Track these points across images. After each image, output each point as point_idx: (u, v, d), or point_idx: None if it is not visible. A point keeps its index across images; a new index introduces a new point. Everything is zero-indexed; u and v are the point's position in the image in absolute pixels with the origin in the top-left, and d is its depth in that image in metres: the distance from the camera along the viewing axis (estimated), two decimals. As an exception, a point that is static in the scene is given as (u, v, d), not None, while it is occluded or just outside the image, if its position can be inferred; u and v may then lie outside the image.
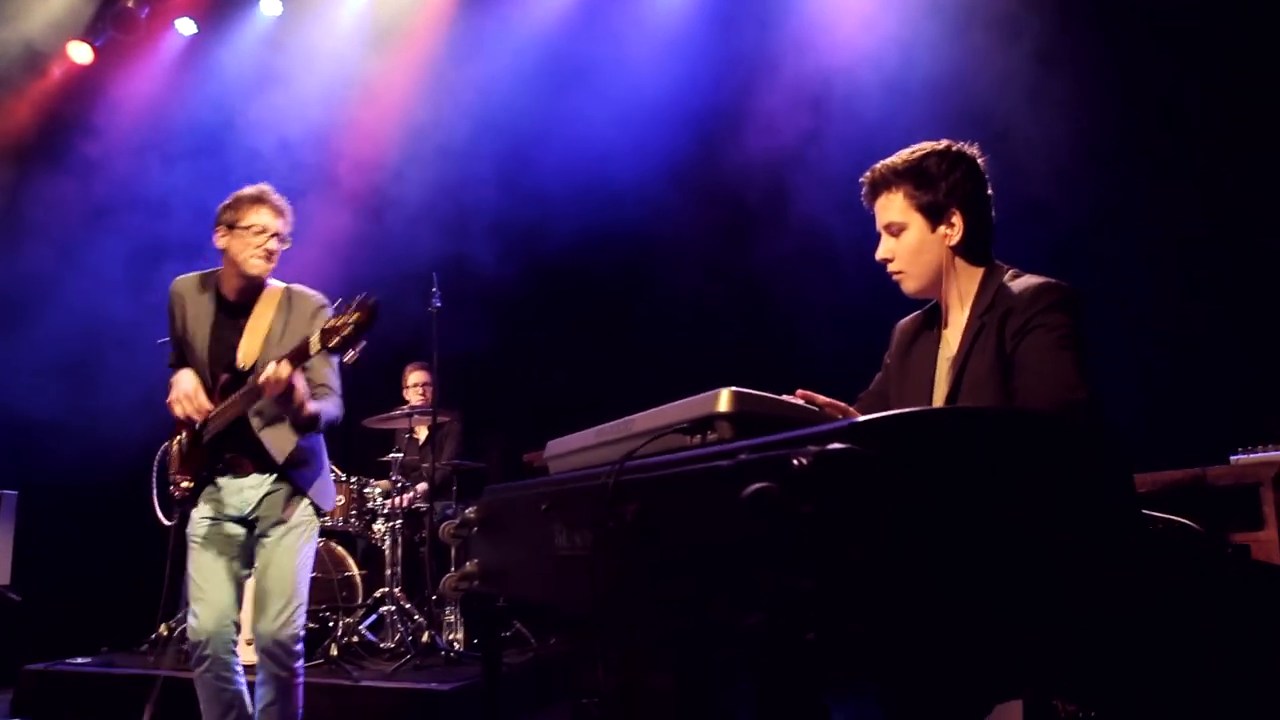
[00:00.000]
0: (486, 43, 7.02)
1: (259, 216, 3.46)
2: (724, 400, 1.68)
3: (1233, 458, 3.42)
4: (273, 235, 3.48)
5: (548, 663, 5.66)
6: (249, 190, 3.51)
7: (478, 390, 7.15)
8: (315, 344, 3.18)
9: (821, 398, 2.03)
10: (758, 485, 1.13)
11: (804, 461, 1.12)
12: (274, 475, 3.52)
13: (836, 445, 1.12)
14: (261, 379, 3.20)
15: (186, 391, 3.46)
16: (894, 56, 5.79)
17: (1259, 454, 3.34)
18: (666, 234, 6.53)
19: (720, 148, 6.35)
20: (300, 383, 3.27)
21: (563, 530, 1.86)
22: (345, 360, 3.20)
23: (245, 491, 3.52)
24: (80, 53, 7.37)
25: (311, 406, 3.36)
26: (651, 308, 6.73)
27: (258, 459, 3.51)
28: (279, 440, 3.48)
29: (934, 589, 1.13)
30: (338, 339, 3.13)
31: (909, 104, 5.57)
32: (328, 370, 3.54)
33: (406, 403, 6.60)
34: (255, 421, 3.45)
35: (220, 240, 3.50)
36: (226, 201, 3.52)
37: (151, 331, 5.22)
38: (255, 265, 3.48)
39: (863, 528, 1.11)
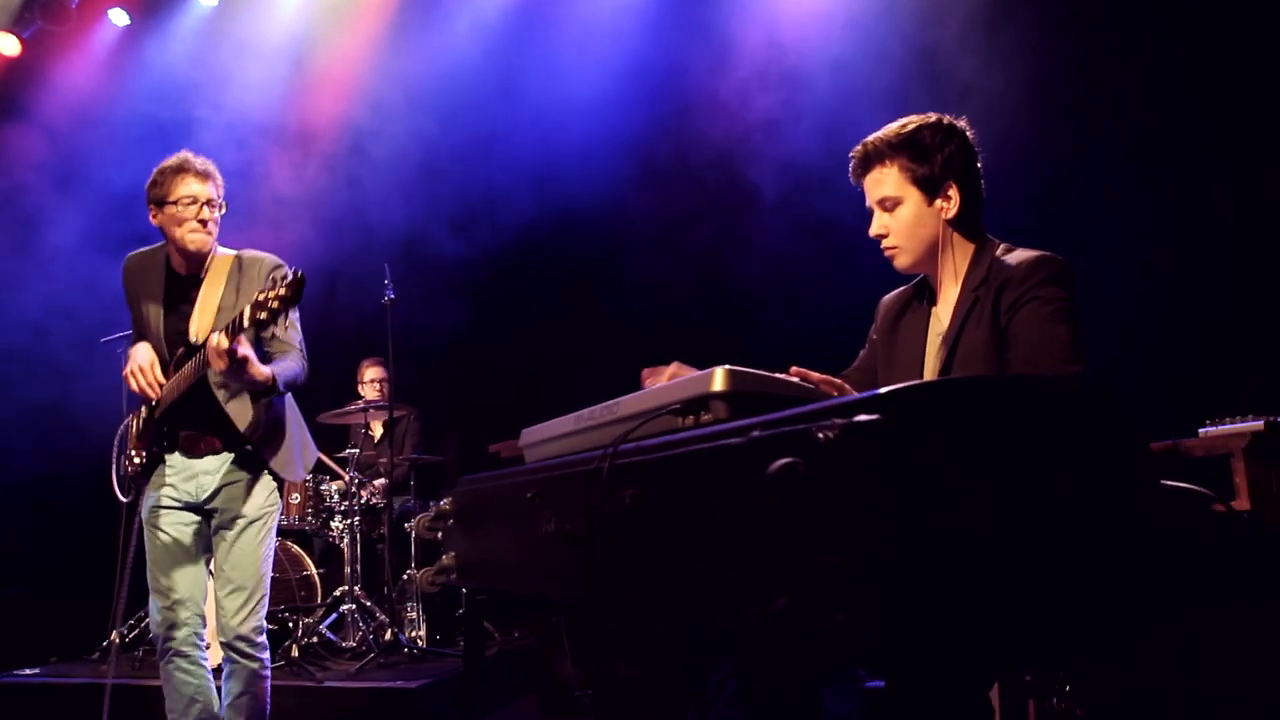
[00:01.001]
0: (439, 24, 6.88)
1: (185, 187, 3.31)
2: (719, 379, 1.61)
3: (1203, 430, 3.44)
4: (204, 204, 3.33)
5: (512, 657, 5.59)
6: (169, 161, 3.36)
7: (434, 383, 7.03)
8: (245, 319, 3.06)
9: (816, 375, 1.98)
10: (785, 461, 1.06)
11: (830, 435, 1.06)
12: (232, 457, 3.41)
13: (864, 417, 1.06)
14: (208, 354, 3.08)
15: (141, 364, 3.33)
16: (847, 29, 5.75)
17: (1229, 426, 3.36)
18: (625, 219, 6.47)
19: (680, 125, 6.29)
20: (245, 350, 3.13)
21: (551, 518, 1.79)
22: (270, 335, 3.15)
23: (200, 477, 3.40)
24: (6, 44, 7.10)
25: (265, 370, 3.22)
26: (611, 295, 6.68)
27: (219, 434, 3.39)
28: (241, 411, 3.36)
29: (968, 563, 1.07)
30: (265, 313, 3.02)
31: (868, 77, 5.53)
32: (292, 331, 3.42)
33: (361, 397, 6.47)
34: (221, 394, 3.34)
35: (154, 219, 3.38)
36: (151, 178, 3.37)
37: (98, 326, 5.05)
38: (194, 240, 3.35)
39: (893, 502, 1.05)
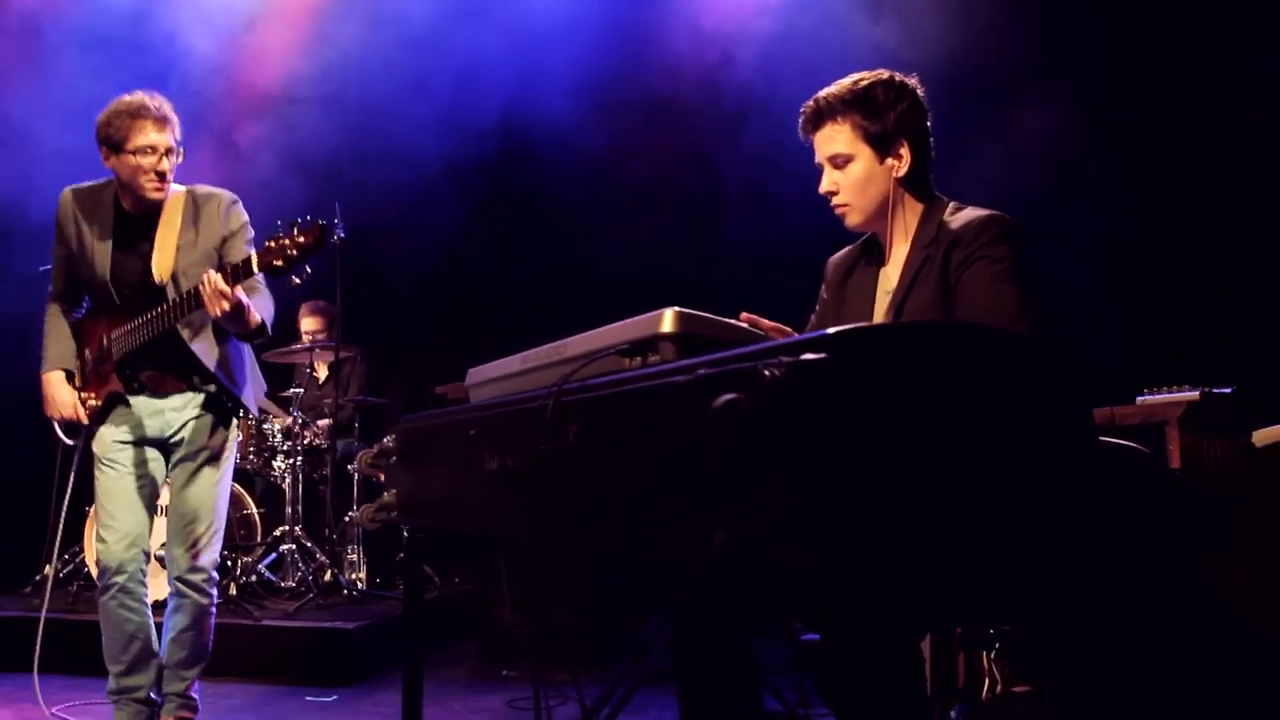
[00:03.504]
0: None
1: (143, 136, 3.14)
2: (668, 320, 1.61)
3: (1139, 399, 3.52)
4: (163, 154, 3.18)
5: (452, 601, 5.61)
6: (125, 103, 3.17)
7: (380, 324, 6.95)
8: (255, 264, 2.98)
9: (767, 322, 1.98)
10: (729, 396, 1.06)
11: (777, 373, 1.06)
12: (201, 394, 3.35)
13: (811, 356, 1.06)
14: (205, 293, 2.98)
15: (66, 402, 3.34)
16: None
17: (1166, 395, 3.44)
18: (580, 157, 6.38)
19: (649, 59, 6.21)
20: (241, 294, 3.05)
21: (495, 456, 1.78)
22: (287, 284, 3.02)
23: (167, 414, 3.34)
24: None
25: (257, 315, 3.17)
26: (567, 237, 6.61)
27: (183, 374, 3.33)
28: (207, 349, 3.30)
29: (908, 502, 1.08)
30: (281, 261, 2.93)
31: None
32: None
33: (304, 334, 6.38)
34: (185, 333, 3.25)
35: (107, 162, 3.21)
36: (104, 115, 3.18)
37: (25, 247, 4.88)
38: (152, 193, 3.22)
39: (837, 441, 1.06)
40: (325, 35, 6.69)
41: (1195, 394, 3.40)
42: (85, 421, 3.32)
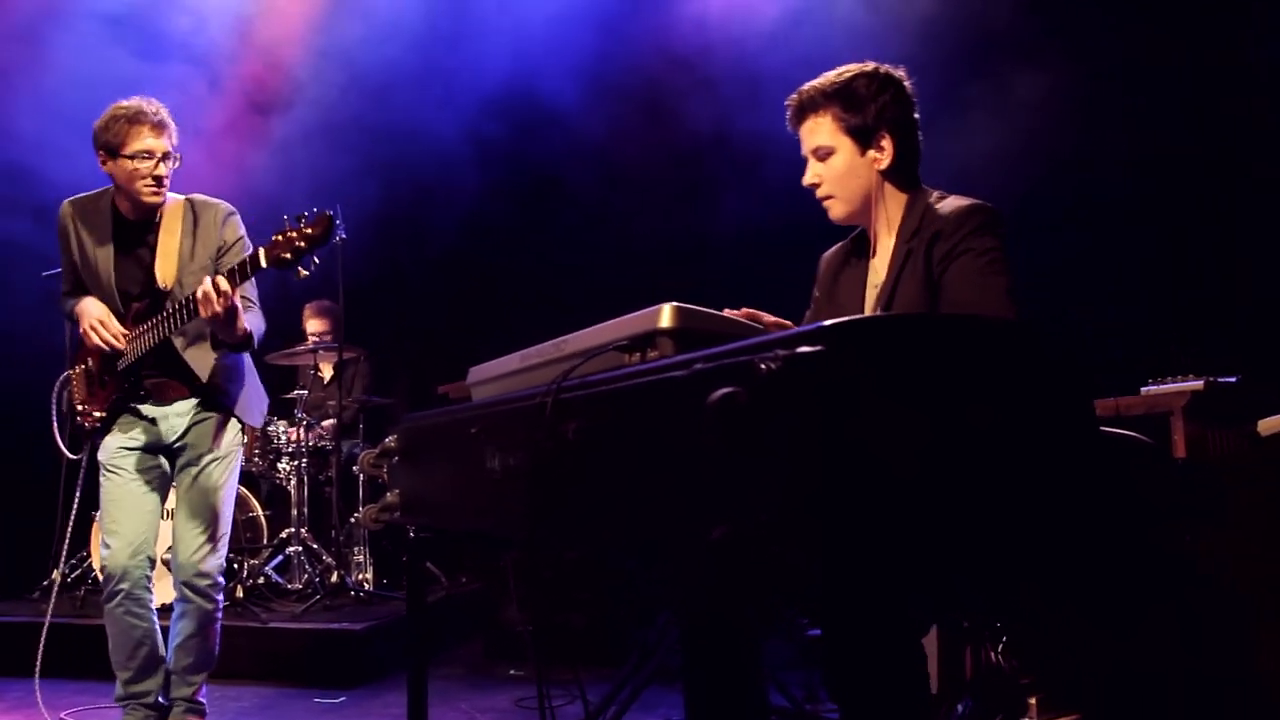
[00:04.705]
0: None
1: (140, 141, 3.16)
2: (666, 316, 1.60)
3: (1144, 389, 3.50)
4: (160, 159, 3.20)
5: (459, 601, 5.60)
6: (123, 108, 3.18)
7: (385, 325, 6.95)
8: (262, 259, 2.98)
9: (768, 316, 1.98)
10: (725, 390, 1.06)
11: (773, 366, 1.05)
12: (200, 400, 3.36)
13: (807, 348, 1.05)
14: (200, 297, 2.98)
15: (99, 319, 3.25)
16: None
17: (1171, 385, 3.42)
18: (579, 158, 6.37)
19: (642, 56, 6.19)
20: (236, 300, 3.06)
21: (495, 454, 1.78)
22: (295, 277, 2.99)
23: (171, 419, 3.35)
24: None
25: (245, 325, 3.17)
26: (571, 234, 6.59)
27: (185, 381, 3.33)
28: (201, 359, 3.31)
29: (906, 494, 1.08)
30: (289, 254, 2.93)
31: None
32: (248, 283, 3.28)
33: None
34: (179, 341, 3.27)
35: (104, 166, 3.22)
36: (102, 120, 3.20)
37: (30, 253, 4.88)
38: (149, 197, 3.23)
39: (832, 433, 1.05)
40: (323, 34, 6.69)
41: (1200, 383, 3.39)
42: (120, 344, 3.25)
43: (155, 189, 3.23)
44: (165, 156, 3.22)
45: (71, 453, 3.48)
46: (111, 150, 3.19)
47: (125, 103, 3.21)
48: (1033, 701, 3.02)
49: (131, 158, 3.17)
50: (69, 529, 3.59)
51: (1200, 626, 2.16)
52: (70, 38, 6.16)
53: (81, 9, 6.25)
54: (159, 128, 3.21)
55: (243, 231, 3.40)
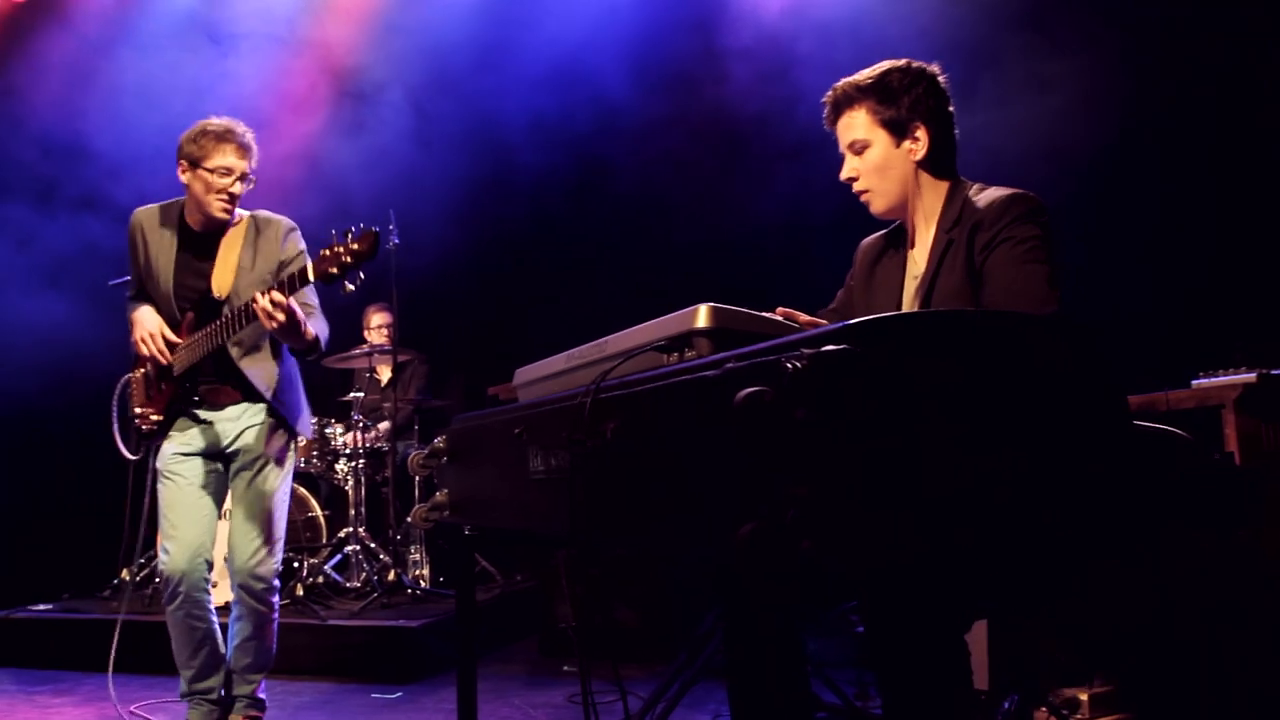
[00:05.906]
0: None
1: (224, 157, 3.31)
2: (702, 316, 1.64)
3: (1195, 381, 3.44)
4: (238, 178, 3.34)
5: (515, 599, 5.67)
6: (215, 124, 3.34)
7: (438, 328, 7.05)
8: (311, 272, 3.09)
9: (803, 315, 2.00)
10: (751, 389, 1.09)
11: (799, 365, 1.08)
12: (257, 405, 3.47)
13: (832, 347, 1.08)
14: (259, 309, 3.10)
15: (150, 330, 3.40)
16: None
17: (1222, 378, 3.36)
18: (633, 154, 6.39)
19: (692, 55, 6.20)
20: (297, 307, 3.19)
21: (538, 454, 1.83)
22: (342, 292, 3.10)
23: (224, 424, 3.46)
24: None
25: (311, 330, 3.30)
26: (622, 237, 6.62)
27: (239, 387, 3.44)
28: (261, 369, 3.42)
29: (934, 494, 1.10)
30: (336, 268, 3.04)
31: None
32: (308, 289, 3.40)
33: (366, 342, 6.50)
34: (234, 351, 3.38)
35: (183, 175, 3.37)
36: (190, 132, 3.36)
37: (98, 263, 5.04)
38: (219, 211, 3.37)
39: (861, 431, 1.08)
40: (379, 44, 6.80)
41: (1252, 376, 3.32)
42: (165, 358, 3.39)
43: (227, 205, 3.37)
44: (243, 177, 3.37)
45: (130, 454, 3.61)
46: (194, 161, 3.33)
47: (216, 120, 3.38)
48: (1084, 698, 3.01)
49: (212, 171, 3.31)
50: (141, 529, 3.70)
51: (1249, 624, 2.14)
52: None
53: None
54: (244, 149, 3.36)
55: (303, 246, 3.52)
